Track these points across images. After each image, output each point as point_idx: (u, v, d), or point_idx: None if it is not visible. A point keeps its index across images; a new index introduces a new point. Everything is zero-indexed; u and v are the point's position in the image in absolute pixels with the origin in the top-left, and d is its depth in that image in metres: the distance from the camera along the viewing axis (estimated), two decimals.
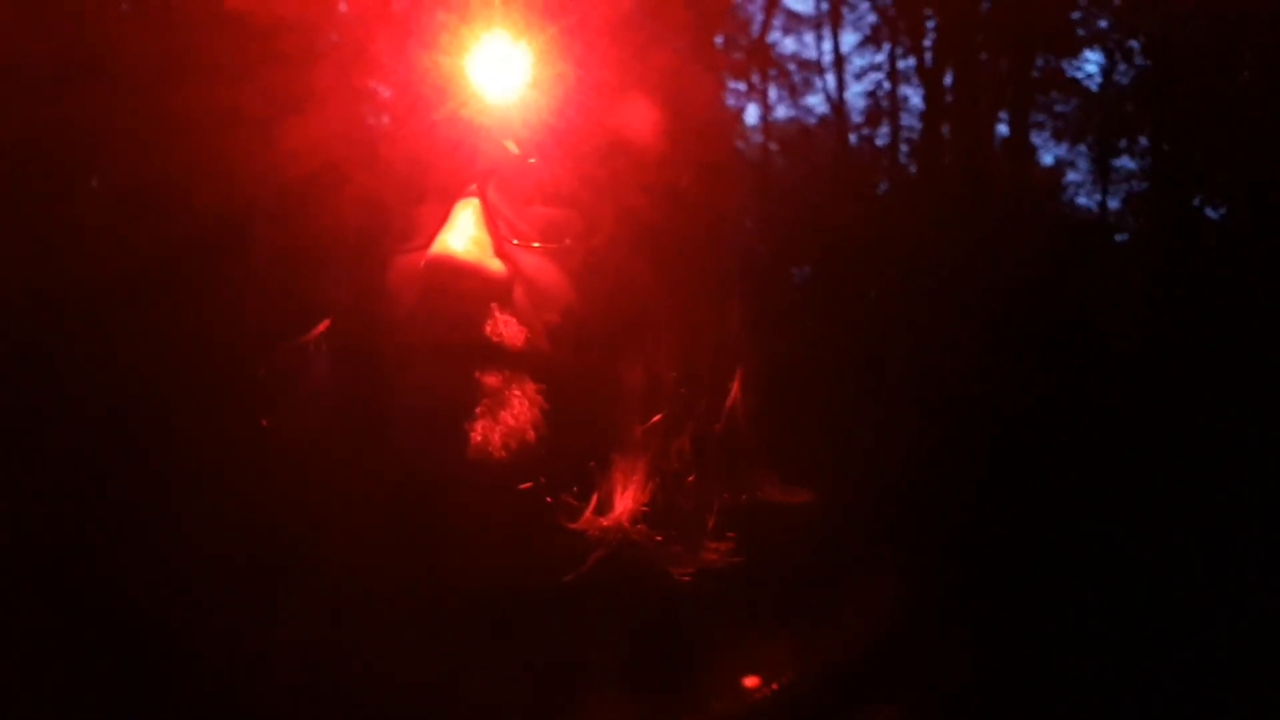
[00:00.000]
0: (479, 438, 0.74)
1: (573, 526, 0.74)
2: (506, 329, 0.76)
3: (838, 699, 0.76)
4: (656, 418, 0.79)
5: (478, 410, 0.74)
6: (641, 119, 0.81)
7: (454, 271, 0.74)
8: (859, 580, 0.82)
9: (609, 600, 0.75)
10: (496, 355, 0.75)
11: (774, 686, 0.74)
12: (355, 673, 0.72)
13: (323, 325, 0.81)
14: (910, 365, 3.61)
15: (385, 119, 0.76)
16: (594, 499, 0.76)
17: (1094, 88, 3.94)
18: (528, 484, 0.74)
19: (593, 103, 0.79)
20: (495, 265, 0.76)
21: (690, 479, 0.79)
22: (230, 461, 0.80)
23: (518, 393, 0.76)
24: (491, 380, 0.75)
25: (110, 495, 0.80)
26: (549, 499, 0.75)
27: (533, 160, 0.77)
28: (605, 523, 0.75)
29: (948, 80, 3.81)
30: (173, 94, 0.74)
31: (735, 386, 0.83)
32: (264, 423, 0.81)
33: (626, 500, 0.76)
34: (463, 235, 0.75)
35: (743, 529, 0.80)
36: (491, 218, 0.76)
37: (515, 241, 0.77)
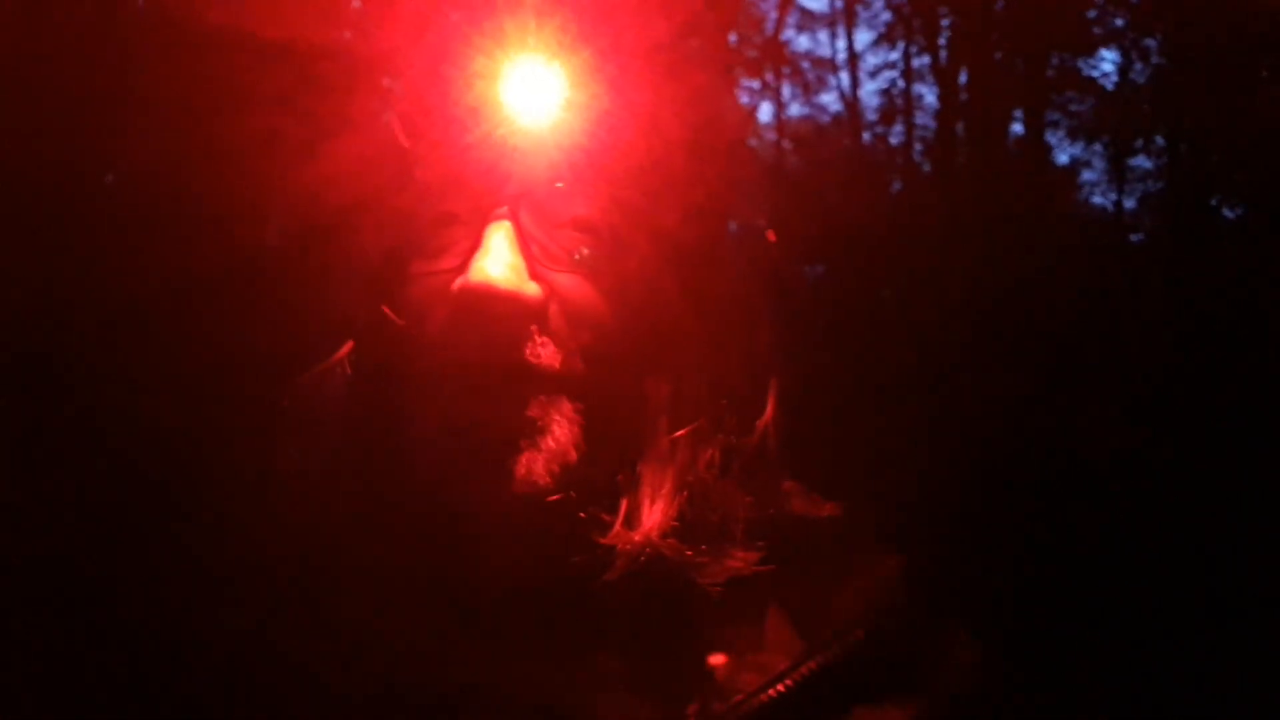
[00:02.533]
0: (522, 461, 0.74)
1: (603, 540, 0.75)
2: (544, 351, 0.76)
3: (846, 702, 0.76)
4: (685, 430, 0.80)
5: (519, 434, 0.74)
6: (671, 138, 0.81)
7: (489, 297, 0.74)
8: (883, 592, 0.82)
9: (637, 612, 0.76)
10: (535, 378, 0.75)
11: (780, 688, 0.74)
12: (374, 689, 0.73)
13: (346, 348, 0.81)
14: (922, 365, 3.60)
15: (413, 141, 0.76)
16: (623, 512, 0.77)
17: (1110, 87, 3.92)
18: (557, 496, 0.75)
19: (623, 124, 0.80)
20: (531, 289, 0.76)
21: (718, 491, 0.80)
22: (251, 483, 0.79)
23: (556, 414, 0.76)
24: (531, 403, 0.75)
25: (128, 516, 0.80)
26: (581, 514, 0.76)
27: (560, 185, 0.77)
28: (635, 536, 0.76)
29: (962, 79, 3.79)
30: (207, 119, 0.75)
31: (769, 399, 0.84)
32: (284, 403, 0.81)
33: (655, 513, 0.77)
34: (498, 260, 0.75)
35: (770, 540, 0.81)
36: (524, 241, 0.76)
37: (547, 264, 0.77)
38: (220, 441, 0.80)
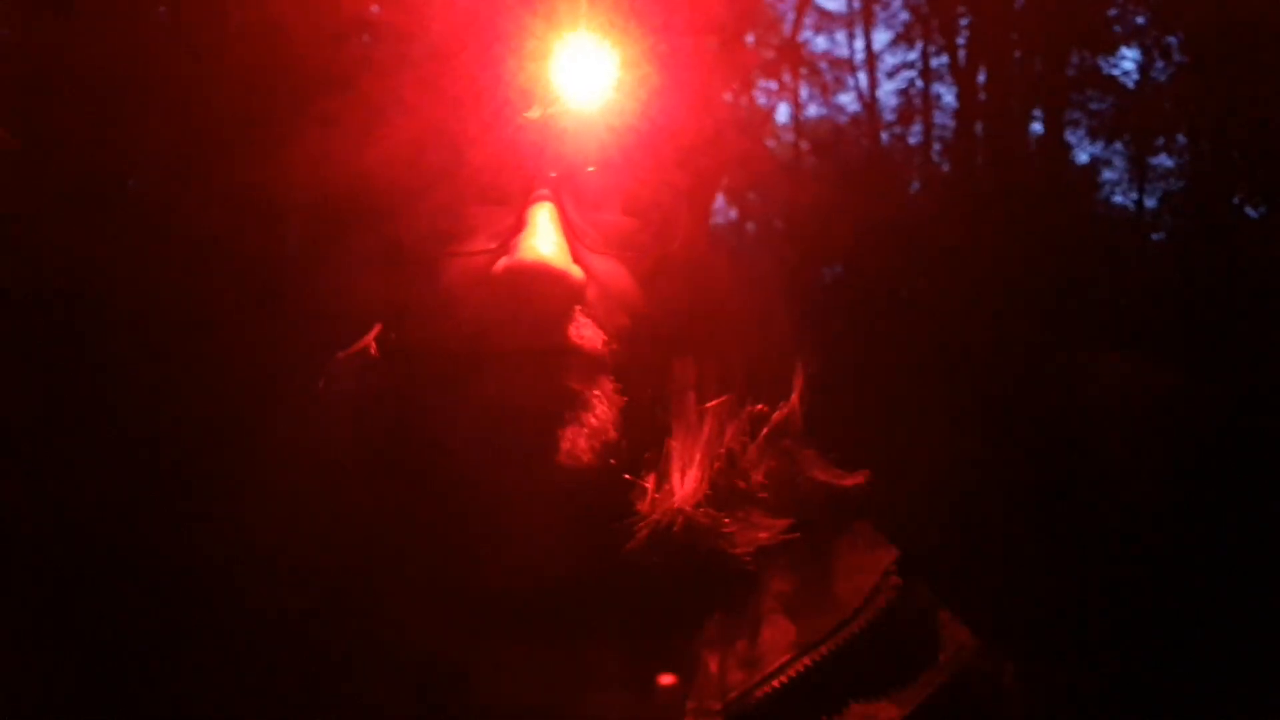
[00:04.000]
0: (567, 434, 0.74)
1: (639, 508, 0.77)
2: (587, 331, 0.76)
3: (844, 695, 0.76)
4: (716, 402, 0.81)
5: (562, 412, 0.74)
6: (713, 123, 0.82)
7: (541, 276, 0.74)
8: (883, 583, 0.82)
9: (669, 578, 0.77)
10: (579, 358, 0.75)
11: (777, 682, 0.74)
12: (404, 679, 0.73)
13: (375, 330, 0.81)
14: (941, 361, 3.59)
15: (460, 123, 0.76)
16: (658, 482, 0.78)
17: (1131, 85, 3.90)
18: (596, 468, 0.75)
19: (666, 108, 0.80)
20: (575, 270, 0.76)
21: (746, 461, 0.82)
22: (278, 471, 0.78)
23: (598, 393, 0.76)
24: (575, 384, 0.75)
25: (152, 504, 0.80)
26: (623, 479, 0.77)
27: (592, 169, 0.78)
28: (669, 504, 0.77)
29: (981, 78, 3.78)
30: (251, 102, 0.75)
31: (796, 375, 0.85)
32: (312, 387, 0.80)
33: (688, 482, 0.78)
34: (547, 239, 0.74)
35: (795, 510, 0.82)
36: (567, 222, 0.76)
37: (588, 247, 0.78)
38: (247, 427, 0.80)
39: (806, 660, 0.75)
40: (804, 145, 4.29)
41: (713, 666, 0.74)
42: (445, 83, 0.75)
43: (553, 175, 0.76)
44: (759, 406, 0.84)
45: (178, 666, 0.73)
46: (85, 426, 0.89)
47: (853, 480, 0.86)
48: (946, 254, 3.90)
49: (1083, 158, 4.23)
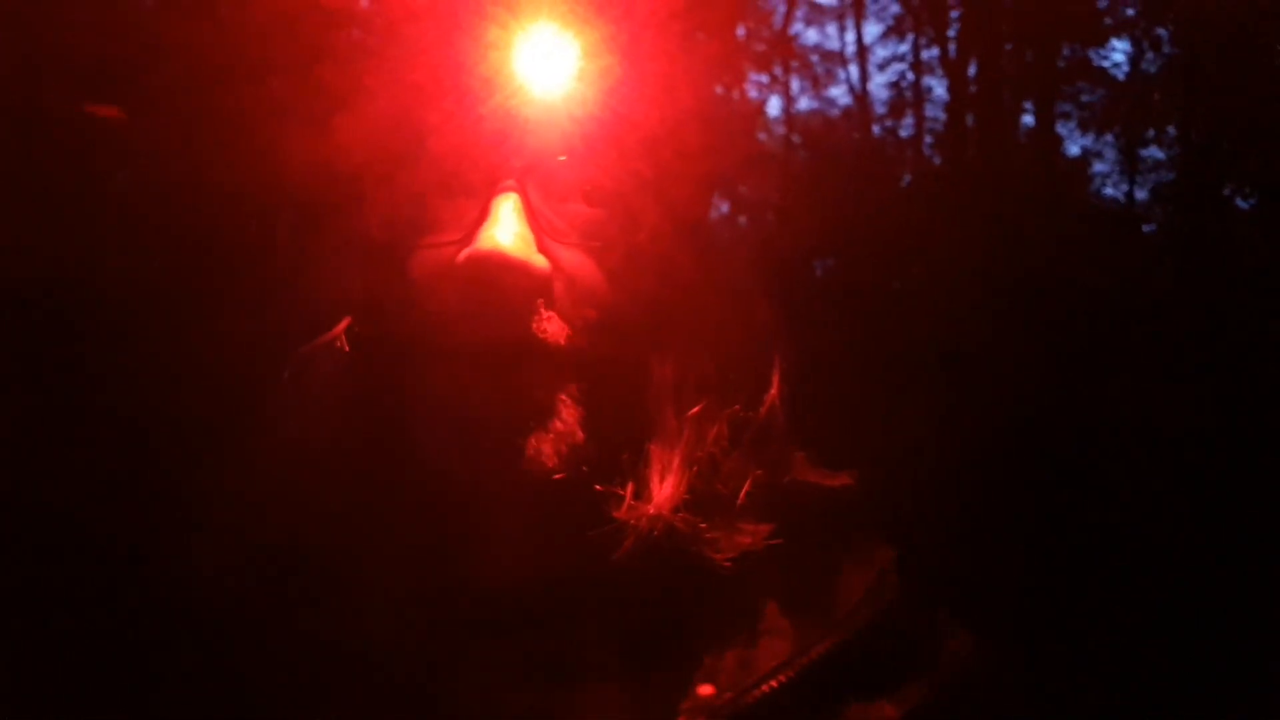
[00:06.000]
0: (531, 440, 0.72)
1: (616, 515, 0.75)
2: (551, 325, 0.74)
3: (841, 697, 0.75)
4: (696, 408, 0.80)
5: (527, 412, 0.73)
6: (681, 113, 0.81)
7: (501, 267, 0.72)
8: (879, 583, 0.81)
9: (650, 586, 0.76)
10: (541, 353, 0.74)
11: (774, 684, 0.73)
12: (381, 678, 0.72)
13: (343, 323, 0.79)
14: (932, 354, 3.59)
15: (423, 112, 0.75)
16: (634, 488, 0.77)
17: (1121, 77, 3.90)
18: (565, 475, 0.74)
19: (633, 97, 0.79)
20: (539, 261, 0.74)
21: (728, 465, 0.80)
22: (247, 465, 0.78)
23: (563, 394, 0.75)
24: (538, 380, 0.74)
25: (124, 498, 0.79)
26: (596, 487, 0.76)
27: (563, 158, 0.77)
28: (647, 510, 0.75)
29: (971, 71, 3.78)
30: (212, 90, 0.74)
31: (774, 373, 0.84)
32: (277, 381, 0.79)
33: (666, 488, 0.76)
34: (508, 230, 0.73)
35: (781, 512, 0.80)
36: (532, 213, 0.75)
37: (554, 238, 0.76)
38: (214, 421, 0.78)
39: (803, 661, 0.74)
40: (795, 138, 4.28)
41: (710, 666, 0.74)
42: (408, 71, 0.74)
43: (518, 165, 0.75)
44: (737, 408, 0.83)
45: (153, 664, 0.72)
46: (58, 424, 0.88)
47: (840, 481, 0.85)
48: (938, 247, 3.90)
49: (1074, 150, 4.24)
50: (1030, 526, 2.82)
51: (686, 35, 0.83)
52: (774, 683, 0.73)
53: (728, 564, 0.78)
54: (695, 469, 0.79)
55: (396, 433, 0.76)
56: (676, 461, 0.78)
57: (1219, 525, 2.73)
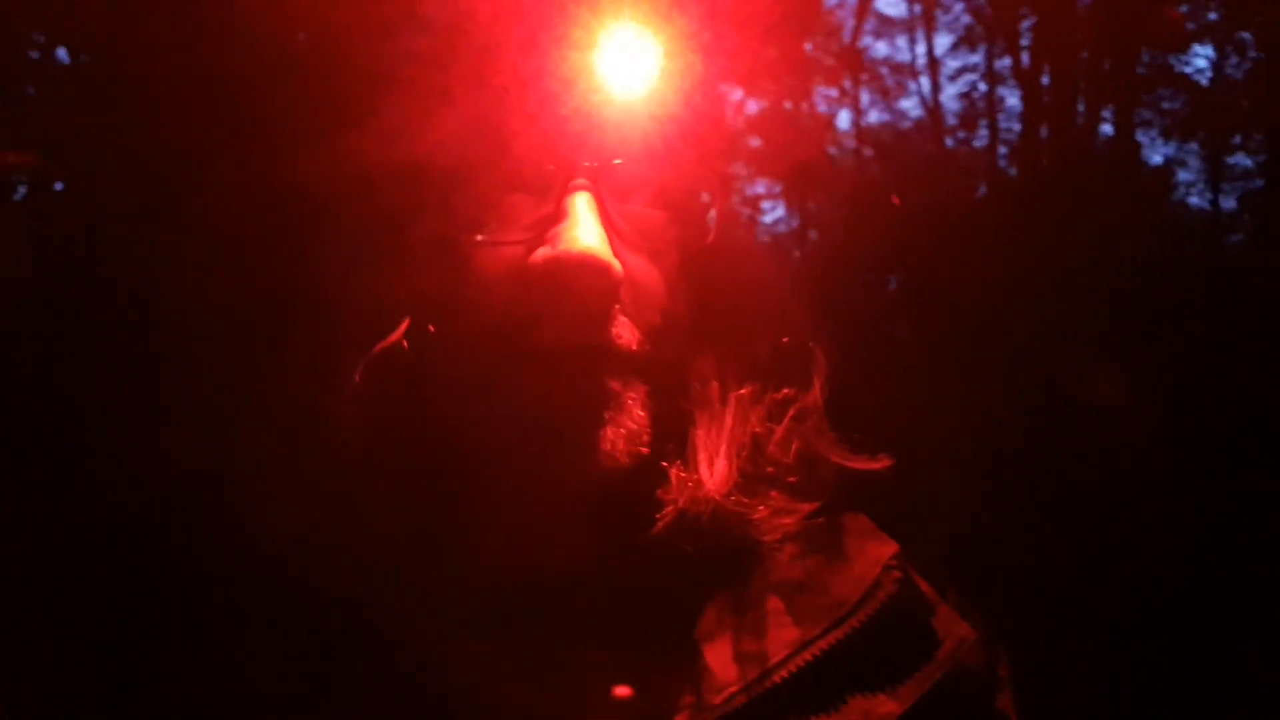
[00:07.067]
0: (607, 443, 0.71)
1: (667, 497, 0.75)
2: (625, 332, 0.73)
3: (841, 692, 0.74)
4: (744, 390, 0.80)
5: (606, 415, 0.71)
6: (744, 122, 0.81)
7: (586, 269, 0.70)
8: (884, 578, 0.80)
9: (692, 566, 0.76)
10: (618, 358, 0.72)
11: (777, 678, 0.72)
12: (411, 677, 0.70)
13: (404, 325, 0.76)
14: (1012, 370, 3.53)
15: (506, 114, 0.74)
16: (684, 472, 0.77)
17: (1204, 83, 3.80)
18: (632, 473, 0.73)
19: (699, 105, 0.77)
20: (617, 264, 0.72)
21: (771, 448, 0.80)
22: (302, 469, 0.74)
23: (633, 396, 0.73)
24: (615, 384, 0.72)
25: (188, 500, 0.77)
26: (658, 465, 0.76)
27: (618, 161, 0.74)
28: (699, 493, 0.76)
29: (1045, 80, 3.72)
30: (299, 98, 0.76)
31: (818, 361, 0.84)
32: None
33: (717, 471, 0.77)
34: (590, 231, 0.71)
35: (820, 494, 0.80)
36: (605, 213, 0.73)
37: (620, 240, 0.74)
38: (271, 425, 0.76)
39: (807, 655, 0.73)
40: (866, 151, 4.26)
41: (712, 662, 0.73)
42: (491, 74, 0.72)
43: (588, 164, 0.73)
44: (784, 391, 0.82)
45: (179, 663, 0.71)
46: (104, 426, 0.88)
47: (871, 465, 0.83)
48: (1014, 258, 3.84)
49: (1156, 158, 4.13)
50: (1041, 525, 2.77)
51: (755, 47, 0.83)
52: (779, 676, 0.72)
53: (774, 544, 0.78)
54: (743, 453, 0.79)
55: (449, 432, 0.74)
56: (724, 447, 0.78)
57: (1230, 530, 2.65)
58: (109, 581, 0.75)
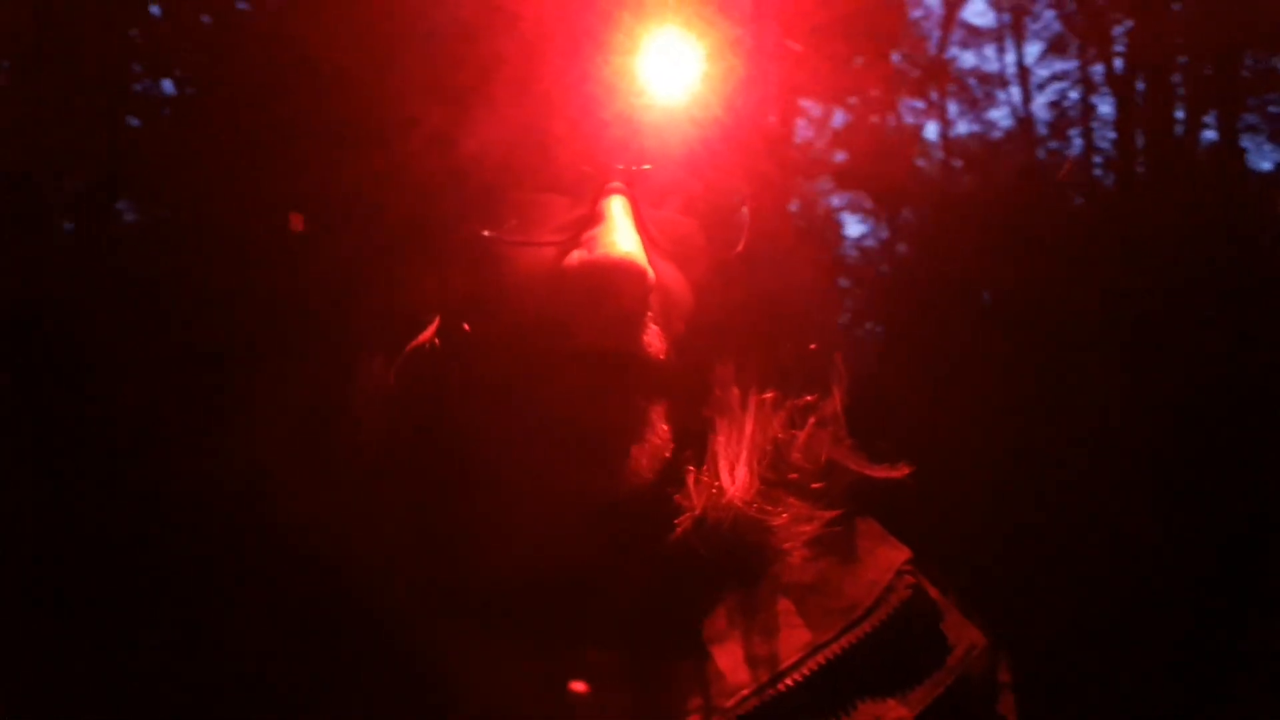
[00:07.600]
0: (633, 459, 0.71)
1: (686, 503, 0.76)
2: (654, 339, 0.72)
3: (852, 696, 0.74)
4: (767, 395, 0.80)
5: (632, 429, 0.71)
6: (779, 131, 0.81)
7: (620, 272, 0.69)
8: (895, 583, 0.79)
9: (713, 568, 0.76)
10: (646, 368, 0.72)
11: (789, 682, 0.72)
12: (411, 676, 0.70)
13: (434, 325, 0.75)
14: (1109, 385, 3.42)
15: (528, 110, 0.74)
16: (706, 480, 0.78)
17: None
18: (655, 483, 0.73)
19: (743, 111, 0.77)
20: (651, 270, 0.71)
21: (791, 455, 0.80)
22: (324, 466, 0.74)
23: (658, 411, 0.73)
24: (642, 396, 0.72)
25: (196, 495, 0.77)
26: (676, 471, 0.76)
27: (647, 166, 0.74)
28: (720, 500, 0.76)
29: (1140, 86, 3.60)
30: (345, 108, 0.79)
31: (839, 369, 0.83)
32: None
33: (738, 479, 0.76)
34: (627, 235, 0.70)
35: (838, 501, 0.80)
36: (640, 218, 0.72)
37: (652, 246, 0.74)
38: (290, 421, 0.76)
39: (819, 659, 0.73)
40: (955, 163, 4.19)
41: (723, 665, 0.72)
42: (534, 78, 0.73)
43: (621, 168, 0.72)
44: (806, 398, 0.82)
45: (182, 660, 0.70)
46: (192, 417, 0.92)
47: (888, 473, 0.82)
48: (1111, 273, 3.72)
49: (1264, 165, 3.95)
50: (1055, 533, 2.68)
51: (841, 60, 0.83)
52: (790, 680, 0.72)
53: (794, 551, 0.78)
54: (764, 460, 0.79)
55: (470, 432, 0.74)
56: (744, 454, 0.77)
57: (1235, 533, 2.53)
58: (111, 579, 0.75)
